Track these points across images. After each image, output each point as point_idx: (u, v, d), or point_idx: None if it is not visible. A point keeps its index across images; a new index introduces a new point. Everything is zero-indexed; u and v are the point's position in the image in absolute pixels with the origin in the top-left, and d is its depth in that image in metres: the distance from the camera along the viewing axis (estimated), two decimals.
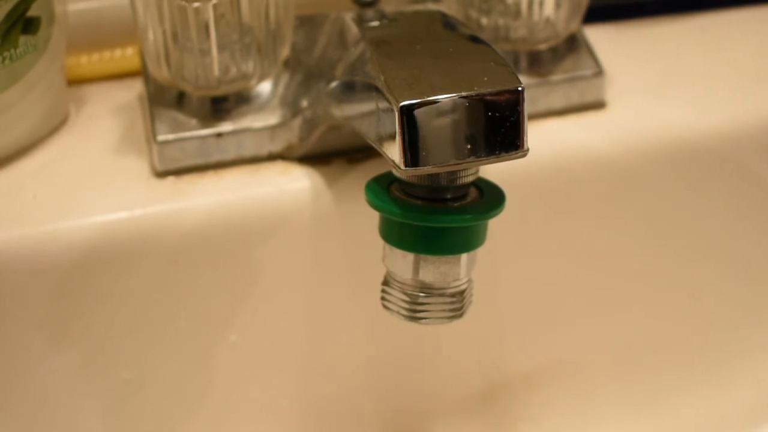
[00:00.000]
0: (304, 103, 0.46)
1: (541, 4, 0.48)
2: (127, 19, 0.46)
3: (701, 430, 0.52)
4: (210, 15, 0.44)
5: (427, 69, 0.37)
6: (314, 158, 0.47)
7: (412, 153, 0.35)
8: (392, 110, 0.35)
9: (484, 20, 0.49)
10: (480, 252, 0.40)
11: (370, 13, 0.44)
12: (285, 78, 0.47)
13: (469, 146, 0.36)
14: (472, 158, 0.36)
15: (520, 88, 0.36)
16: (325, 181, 0.46)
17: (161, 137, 0.45)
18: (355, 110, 0.40)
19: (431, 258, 0.39)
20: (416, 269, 0.39)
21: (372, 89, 0.37)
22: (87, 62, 0.51)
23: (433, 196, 0.39)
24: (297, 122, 0.46)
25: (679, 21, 0.56)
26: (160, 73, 0.46)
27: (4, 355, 0.44)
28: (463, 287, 0.40)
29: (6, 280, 0.43)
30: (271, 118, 0.46)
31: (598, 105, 0.50)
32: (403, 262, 0.39)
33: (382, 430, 0.50)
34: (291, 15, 0.46)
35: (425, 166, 0.35)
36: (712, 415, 0.52)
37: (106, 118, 0.49)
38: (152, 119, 0.46)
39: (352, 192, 0.46)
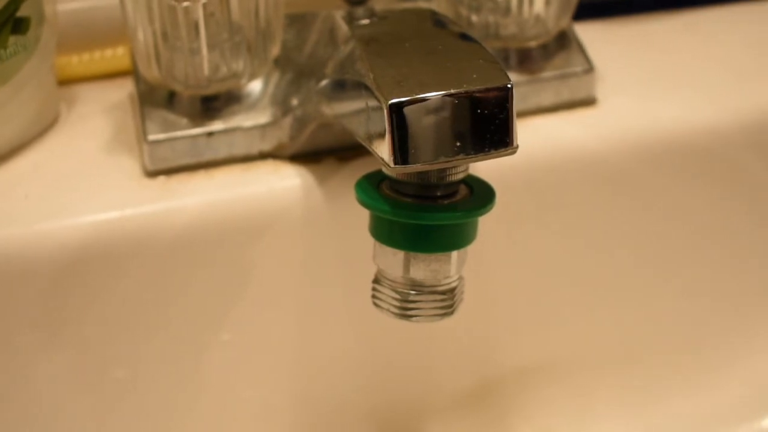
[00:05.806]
0: (295, 101, 0.46)
1: (531, 1, 0.48)
2: (117, 18, 0.46)
3: (695, 427, 0.52)
4: (200, 14, 0.44)
5: (417, 67, 0.37)
6: (305, 157, 0.47)
7: (402, 151, 0.35)
8: (381, 108, 0.35)
9: (474, 18, 0.49)
10: (470, 249, 0.40)
11: (360, 11, 0.43)
12: (275, 77, 0.47)
13: (458, 144, 0.36)
14: (461, 156, 0.36)
15: (508, 85, 0.36)
16: (315, 180, 0.46)
17: (152, 137, 0.45)
18: (345, 108, 0.40)
19: (421, 256, 0.39)
20: (407, 267, 0.39)
21: (361, 87, 0.37)
22: (77, 62, 0.51)
23: (422, 193, 0.39)
24: (287, 121, 0.46)
25: (669, 18, 0.56)
26: (151, 72, 0.46)
27: None
28: (453, 285, 0.40)
29: None
30: (262, 117, 0.46)
31: (588, 102, 0.50)
32: (393, 260, 0.39)
33: (375, 428, 0.50)
34: (281, 13, 0.46)
35: (415, 163, 0.35)
36: (706, 412, 0.52)
37: (96, 117, 0.49)
38: (143, 119, 0.46)
39: (342, 190, 0.46)
